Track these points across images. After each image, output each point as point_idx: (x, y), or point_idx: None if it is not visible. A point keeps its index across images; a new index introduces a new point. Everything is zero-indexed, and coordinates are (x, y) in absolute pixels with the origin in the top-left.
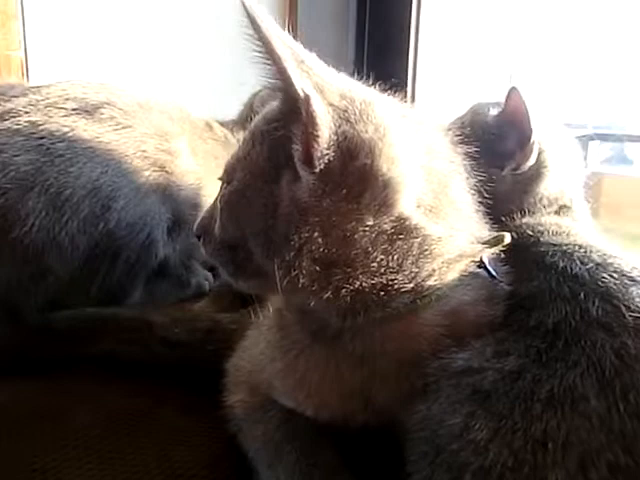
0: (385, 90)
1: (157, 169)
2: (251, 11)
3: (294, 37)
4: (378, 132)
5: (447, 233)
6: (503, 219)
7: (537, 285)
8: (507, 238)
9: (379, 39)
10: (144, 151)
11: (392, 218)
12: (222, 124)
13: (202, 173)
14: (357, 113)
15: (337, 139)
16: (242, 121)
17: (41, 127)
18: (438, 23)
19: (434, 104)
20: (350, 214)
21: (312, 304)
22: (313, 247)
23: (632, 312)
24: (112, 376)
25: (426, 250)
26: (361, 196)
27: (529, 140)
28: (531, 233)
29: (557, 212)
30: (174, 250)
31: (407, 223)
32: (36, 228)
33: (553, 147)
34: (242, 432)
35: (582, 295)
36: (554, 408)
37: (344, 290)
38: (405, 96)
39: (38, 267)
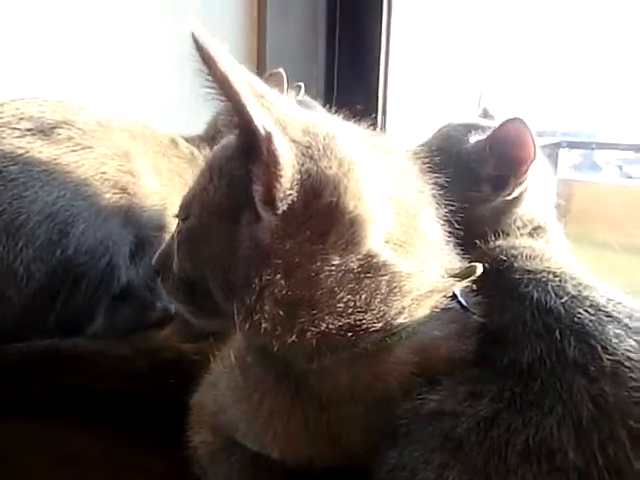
0: (353, 116)
1: (118, 191)
2: (204, 45)
3: (259, 64)
4: (343, 167)
5: (417, 268)
6: (477, 242)
7: (511, 318)
8: (479, 269)
9: (349, 67)
10: (104, 173)
11: (359, 256)
12: (188, 140)
13: (166, 193)
14: (321, 149)
15: (300, 177)
16: (208, 138)
17: None
18: (408, 47)
19: (405, 128)
20: (315, 255)
21: (275, 348)
22: (275, 290)
23: (609, 355)
24: (68, 415)
25: (395, 287)
26: (326, 235)
27: (528, 167)
28: (504, 257)
29: (531, 234)
30: (137, 273)
31: (375, 260)
32: None
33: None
34: (206, 475)
35: (557, 332)
36: (529, 462)
37: (309, 333)
38: (375, 122)
39: None
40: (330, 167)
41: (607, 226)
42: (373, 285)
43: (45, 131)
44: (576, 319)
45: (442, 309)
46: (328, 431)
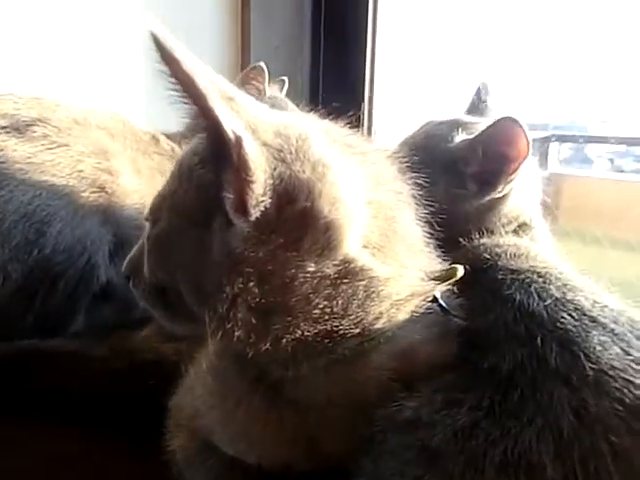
0: (337, 114)
1: (96, 190)
2: (164, 44)
3: (243, 60)
4: (316, 171)
5: (396, 272)
6: (460, 240)
7: (493, 320)
8: (460, 271)
9: (334, 64)
10: (81, 171)
11: (335, 262)
12: (169, 136)
13: (147, 191)
14: (293, 152)
15: (273, 182)
16: (189, 133)
17: None
18: (394, 44)
19: (391, 125)
20: (289, 261)
21: (250, 355)
22: (249, 297)
23: (592, 363)
24: (44, 417)
25: (373, 292)
26: (301, 241)
27: (519, 165)
28: (488, 256)
29: (516, 231)
30: (117, 273)
31: (352, 265)
32: None
33: None
34: (184, 477)
35: (539, 339)
36: (508, 475)
37: (284, 340)
38: (357, 119)
39: None
40: (303, 171)
41: (598, 221)
42: (350, 290)
43: (20, 129)
44: (559, 324)
45: (422, 313)
46: (305, 437)
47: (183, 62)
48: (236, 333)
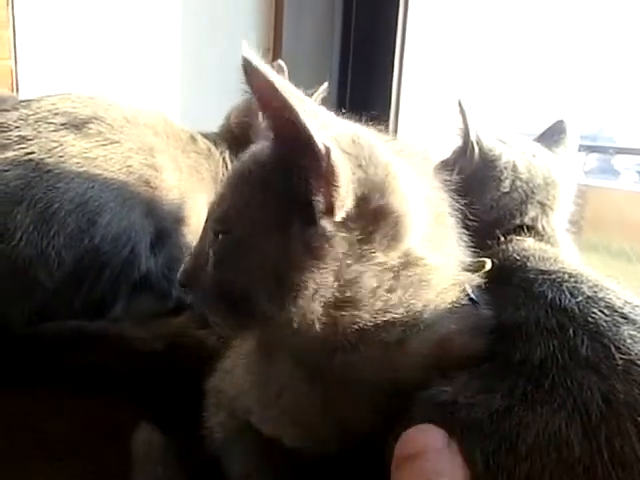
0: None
1: (142, 184)
2: (261, 67)
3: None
4: (387, 173)
5: (443, 261)
6: (489, 242)
7: (524, 315)
8: (488, 264)
9: (363, 67)
10: (130, 166)
11: (399, 253)
12: (205, 136)
13: (185, 188)
14: (367, 157)
15: (354, 186)
16: (223, 134)
17: (31, 142)
18: (423, 48)
19: (417, 129)
20: (362, 255)
21: (314, 348)
22: (326, 293)
23: (622, 354)
24: (92, 390)
25: (425, 281)
26: (374, 235)
27: None
28: (517, 257)
29: (537, 239)
30: (156, 264)
31: (413, 255)
32: (24, 242)
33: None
34: (222, 454)
35: (571, 331)
36: (539, 452)
37: (348, 331)
38: (385, 124)
39: (25, 280)
40: (376, 173)
41: (623, 234)
42: (408, 280)
43: (77, 126)
44: (590, 319)
45: (460, 303)
46: (344, 421)
47: (278, 84)
48: (312, 327)
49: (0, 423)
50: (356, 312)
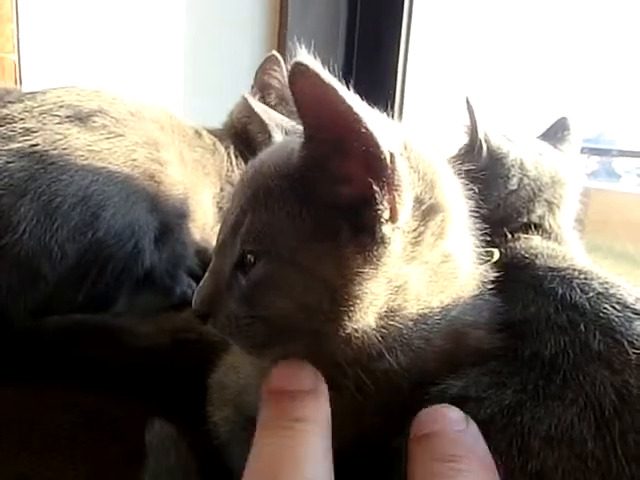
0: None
1: (146, 178)
2: (322, 74)
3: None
4: (433, 170)
5: (465, 256)
6: (496, 240)
7: (534, 312)
8: (496, 254)
9: (367, 61)
10: (134, 160)
11: (442, 250)
12: (210, 131)
13: (190, 183)
14: (417, 158)
15: (410, 189)
16: (227, 129)
17: (35, 134)
18: (427, 43)
19: (421, 123)
20: (413, 257)
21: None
22: (379, 302)
23: (635, 349)
24: (95, 384)
25: (453, 274)
26: (423, 234)
27: None
28: (525, 255)
29: (544, 237)
30: (160, 259)
31: (447, 252)
32: (27, 235)
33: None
34: (226, 449)
35: (582, 326)
36: (551, 448)
37: (392, 338)
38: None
39: (28, 273)
40: (425, 173)
41: (623, 236)
42: (442, 276)
43: (82, 119)
44: (602, 314)
45: (474, 296)
46: (360, 417)
47: (341, 91)
48: (365, 340)
49: (4, 419)
50: (401, 320)
